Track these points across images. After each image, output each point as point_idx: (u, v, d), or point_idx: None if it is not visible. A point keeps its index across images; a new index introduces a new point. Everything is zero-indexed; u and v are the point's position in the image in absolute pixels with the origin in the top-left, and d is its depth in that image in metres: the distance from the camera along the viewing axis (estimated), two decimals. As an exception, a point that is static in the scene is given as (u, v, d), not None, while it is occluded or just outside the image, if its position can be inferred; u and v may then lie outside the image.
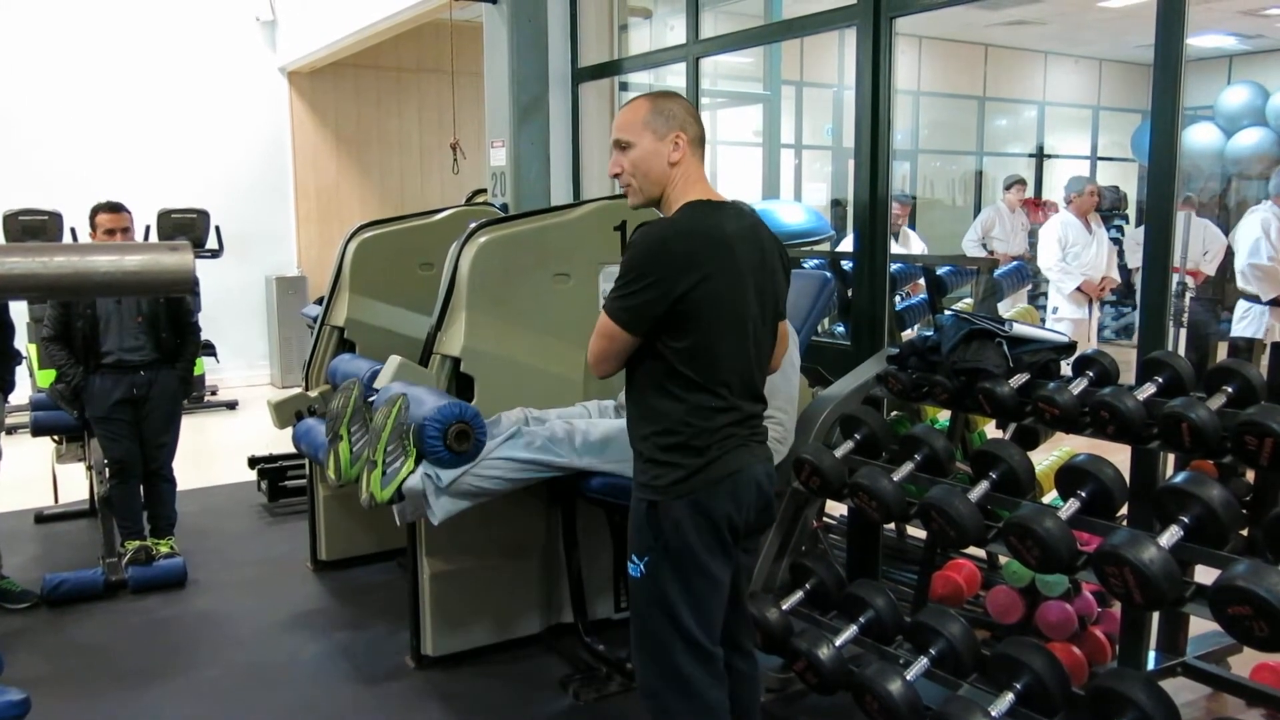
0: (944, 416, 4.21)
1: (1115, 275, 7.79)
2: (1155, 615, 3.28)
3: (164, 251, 1.84)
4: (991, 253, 8.91)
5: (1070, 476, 2.70)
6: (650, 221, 2.52)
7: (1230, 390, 2.74)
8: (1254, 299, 6.54)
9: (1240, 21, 11.16)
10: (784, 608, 3.15)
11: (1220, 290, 8.13)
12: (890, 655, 2.92)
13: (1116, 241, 10.85)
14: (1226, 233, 8.04)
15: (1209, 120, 10.09)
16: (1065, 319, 7.56)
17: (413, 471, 3.27)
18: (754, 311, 2.52)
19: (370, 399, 3.57)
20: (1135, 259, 8.97)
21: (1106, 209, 9.55)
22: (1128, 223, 11.86)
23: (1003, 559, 3.66)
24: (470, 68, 7.28)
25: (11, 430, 4.70)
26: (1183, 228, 7.23)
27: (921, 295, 5.36)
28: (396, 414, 3.27)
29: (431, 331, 3.84)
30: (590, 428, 3.47)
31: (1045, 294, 8.06)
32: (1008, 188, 9.86)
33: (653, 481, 2.49)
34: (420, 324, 4.19)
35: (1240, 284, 6.72)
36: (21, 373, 4.98)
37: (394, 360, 3.74)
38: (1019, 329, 3.29)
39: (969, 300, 5.05)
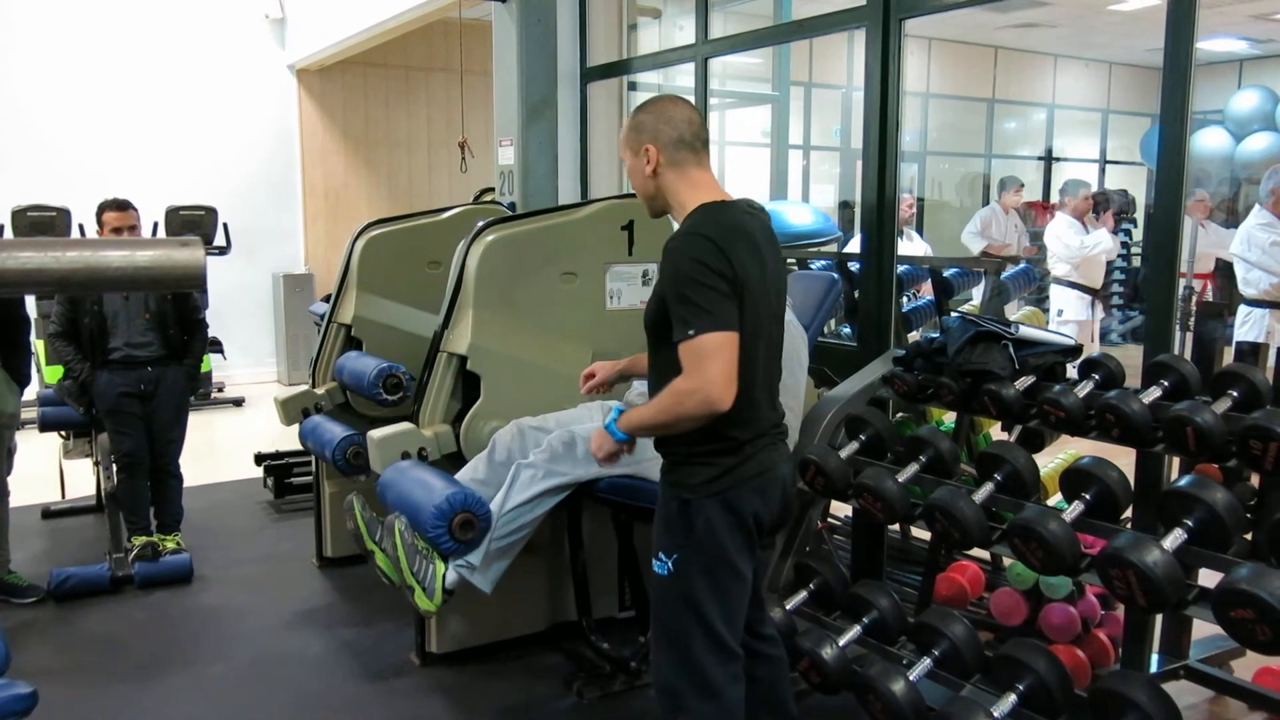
0: (949, 418, 4.21)
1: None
2: (1158, 618, 3.28)
3: (175, 247, 1.85)
4: (985, 252, 8.93)
5: (1075, 479, 2.70)
6: (677, 234, 2.47)
7: (1236, 394, 2.73)
8: (1256, 303, 6.53)
9: (1251, 26, 11.14)
10: (788, 608, 3.16)
11: (1227, 295, 8.11)
12: (894, 656, 2.92)
13: (1125, 246, 10.88)
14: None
15: (1219, 125, 10.07)
16: (1070, 320, 7.58)
17: (446, 569, 3.29)
18: (773, 309, 2.54)
19: (371, 516, 3.52)
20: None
21: (1115, 213, 9.53)
22: (1136, 226, 11.84)
23: (1007, 561, 3.67)
24: (479, 67, 7.30)
25: (20, 425, 4.72)
26: (1190, 232, 7.23)
27: (928, 297, 5.36)
28: (401, 541, 3.28)
29: (438, 330, 3.85)
30: (591, 433, 3.47)
31: (1049, 296, 8.07)
32: (1004, 189, 9.88)
33: (685, 479, 2.50)
34: (427, 322, 4.20)
35: (1242, 287, 6.72)
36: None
37: (373, 441, 3.71)
38: (1025, 331, 3.29)
39: (975, 302, 5.05)
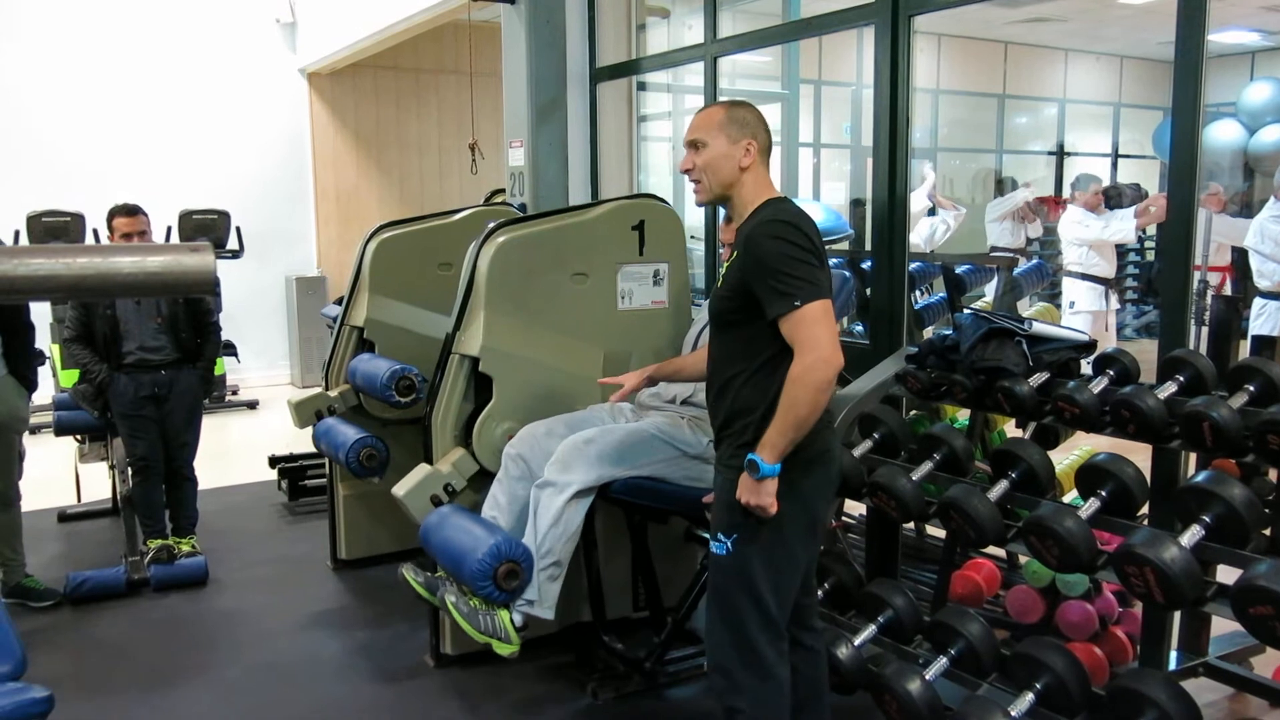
0: (963, 415, 4.20)
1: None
2: (1176, 615, 3.26)
3: (185, 253, 1.86)
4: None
5: (1091, 475, 2.68)
6: (762, 221, 2.55)
7: (1252, 389, 2.71)
8: (1270, 295, 6.50)
9: (1263, 17, 11.08)
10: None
11: (1242, 288, 8.07)
12: (909, 655, 2.91)
13: (1140, 240, 10.82)
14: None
15: (1231, 117, 10.00)
16: (1083, 311, 7.54)
17: (509, 613, 3.35)
18: None
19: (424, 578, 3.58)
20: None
21: (1127, 206, 9.49)
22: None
23: (1022, 558, 3.65)
24: (488, 68, 7.30)
25: (35, 430, 4.74)
26: (1204, 226, 7.20)
27: (940, 294, 5.34)
28: (457, 613, 3.33)
29: (450, 332, 3.85)
30: (604, 435, 3.47)
31: (1061, 290, 8.04)
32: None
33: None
34: (439, 324, 4.21)
35: (1257, 280, 6.68)
36: (44, 373, 5.02)
37: (400, 498, 3.71)
38: (1038, 328, 3.27)
39: (988, 299, 5.03)
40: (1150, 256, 11.42)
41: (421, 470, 3.73)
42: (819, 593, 3.19)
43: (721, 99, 2.80)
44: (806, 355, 2.41)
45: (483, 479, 3.71)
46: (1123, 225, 7.73)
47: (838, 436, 2.67)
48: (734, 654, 2.62)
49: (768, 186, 2.65)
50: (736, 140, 2.62)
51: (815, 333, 2.42)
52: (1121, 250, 8.73)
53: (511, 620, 3.34)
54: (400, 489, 3.70)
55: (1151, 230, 11.18)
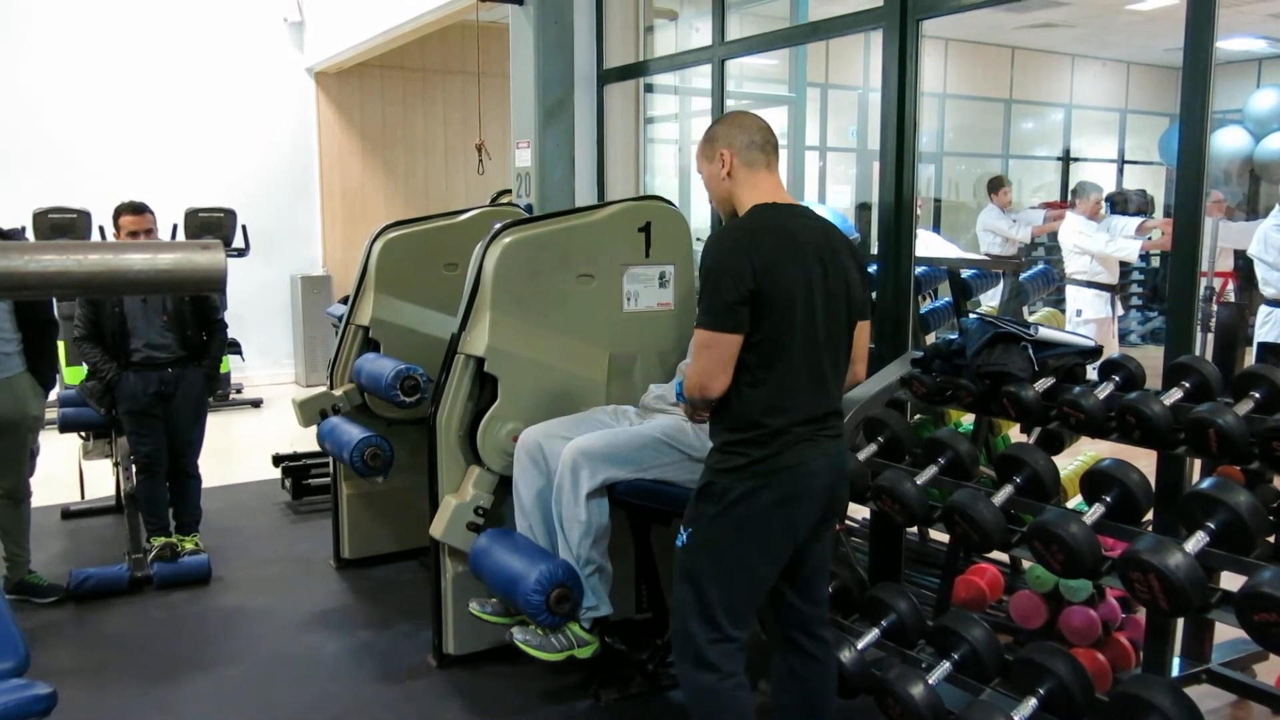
0: (967, 420, 4.19)
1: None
2: (1180, 622, 3.26)
3: (196, 250, 1.86)
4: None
5: (1096, 481, 2.68)
6: (719, 230, 2.71)
7: (1258, 396, 2.71)
8: (1275, 304, 6.48)
9: (1270, 25, 11.06)
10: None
11: (1248, 295, 8.06)
12: (912, 659, 2.91)
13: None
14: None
15: (1237, 124, 9.99)
16: (1090, 319, 7.54)
17: (577, 624, 3.44)
18: (824, 310, 2.59)
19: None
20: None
21: (1133, 212, 9.47)
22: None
23: (1026, 563, 3.65)
24: (496, 69, 7.30)
25: (43, 427, 4.76)
26: (1210, 231, 7.18)
27: (946, 299, 5.33)
28: (528, 646, 3.40)
29: (455, 332, 3.85)
30: (611, 438, 3.49)
31: (1065, 297, 8.03)
32: (995, 190, 9.81)
33: (716, 464, 2.62)
34: (445, 324, 4.21)
35: (1262, 287, 6.67)
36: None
37: (438, 538, 3.79)
38: (1044, 332, 3.27)
39: (993, 304, 5.02)
40: (1155, 263, 11.40)
41: (449, 505, 3.76)
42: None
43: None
44: (693, 372, 2.59)
45: (504, 488, 3.74)
46: (1127, 244, 7.73)
47: (825, 449, 2.62)
48: (676, 641, 2.70)
49: (757, 190, 2.66)
50: (712, 158, 2.69)
51: (695, 357, 2.59)
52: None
53: (581, 626, 3.44)
54: (438, 531, 3.77)
55: (1157, 236, 11.17)
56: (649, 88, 6.28)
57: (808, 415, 2.57)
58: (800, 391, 2.56)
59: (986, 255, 8.49)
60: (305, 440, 5.78)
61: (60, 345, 7.19)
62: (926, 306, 5.32)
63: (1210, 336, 6.66)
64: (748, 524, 2.57)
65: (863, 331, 2.79)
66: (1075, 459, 3.90)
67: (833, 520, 2.84)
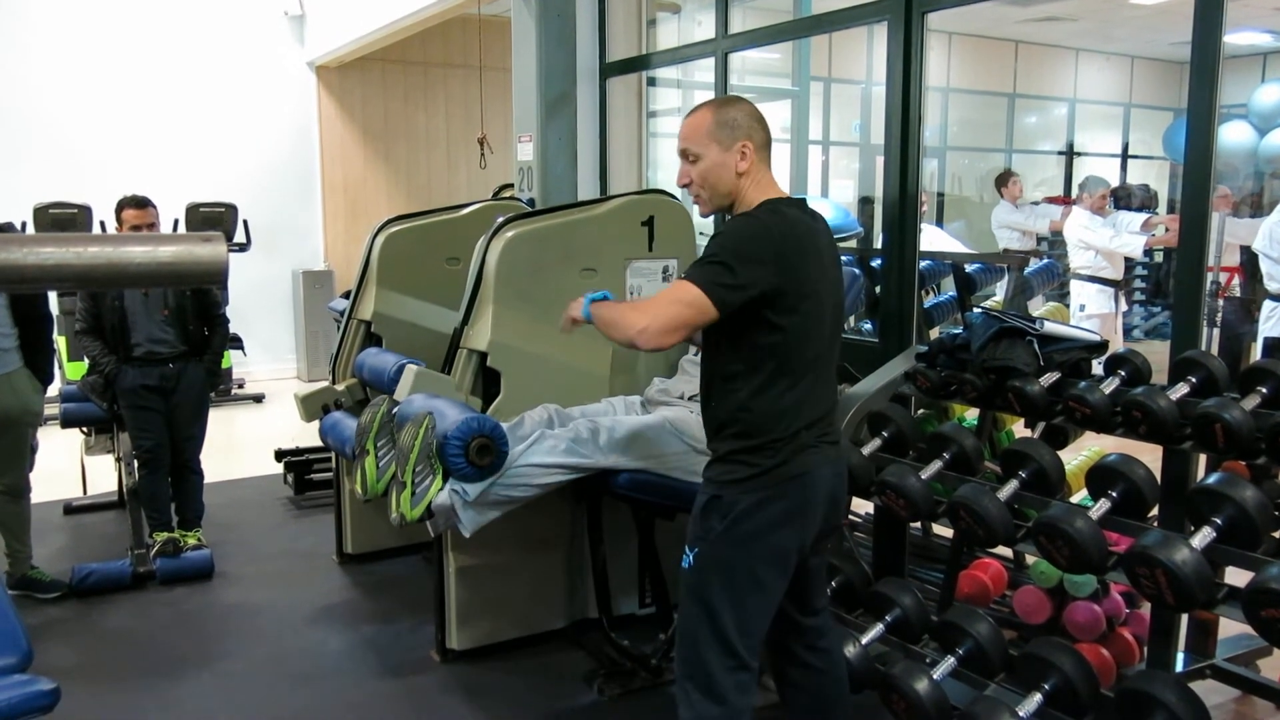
0: (972, 415, 4.18)
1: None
2: (1184, 617, 3.25)
3: (198, 243, 1.84)
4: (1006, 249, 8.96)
5: (1101, 476, 2.67)
6: (745, 213, 2.49)
7: (1264, 391, 2.70)
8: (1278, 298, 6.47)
9: (1276, 19, 11.02)
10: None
11: (1253, 290, 8.05)
12: (917, 654, 2.91)
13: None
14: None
15: (1242, 119, 9.97)
16: (1094, 315, 7.53)
17: (441, 489, 3.25)
18: (830, 313, 2.52)
19: (394, 412, 3.56)
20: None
21: (1137, 207, 9.45)
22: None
23: (1030, 558, 3.64)
24: (498, 63, 7.30)
25: (42, 422, 4.75)
26: (1216, 226, 7.16)
27: (950, 293, 5.32)
28: (424, 434, 3.25)
29: (458, 326, 3.84)
30: (616, 425, 3.46)
31: (1070, 291, 8.02)
32: (1003, 184, 9.80)
33: (718, 476, 2.49)
34: (447, 318, 4.20)
35: (1267, 283, 6.65)
36: (51, 365, 5.02)
37: (410, 371, 3.72)
38: (1049, 327, 3.26)
39: (998, 299, 5.01)
40: (1159, 259, 11.38)
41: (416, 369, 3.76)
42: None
43: (711, 98, 2.68)
44: (644, 312, 2.39)
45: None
46: (1132, 240, 7.72)
47: (829, 455, 2.53)
48: (686, 669, 2.53)
49: (768, 186, 2.52)
50: (730, 146, 2.48)
51: (662, 301, 2.40)
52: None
53: (434, 497, 3.23)
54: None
55: (1161, 231, 11.16)
56: (651, 81, 6.27)
57: (812, 420, 2.48)
58: (810, 396, 2.46)
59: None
60: (307, 435, 5.78)
61: (61, 341, 7.20)
62: (930, 301, 5.32)
63: (1216, 331, 6.67)
64: (758, 538, 2.44)
65: None
66: (1080, 454, 3.89)
67: (832, 532, 2.74)
